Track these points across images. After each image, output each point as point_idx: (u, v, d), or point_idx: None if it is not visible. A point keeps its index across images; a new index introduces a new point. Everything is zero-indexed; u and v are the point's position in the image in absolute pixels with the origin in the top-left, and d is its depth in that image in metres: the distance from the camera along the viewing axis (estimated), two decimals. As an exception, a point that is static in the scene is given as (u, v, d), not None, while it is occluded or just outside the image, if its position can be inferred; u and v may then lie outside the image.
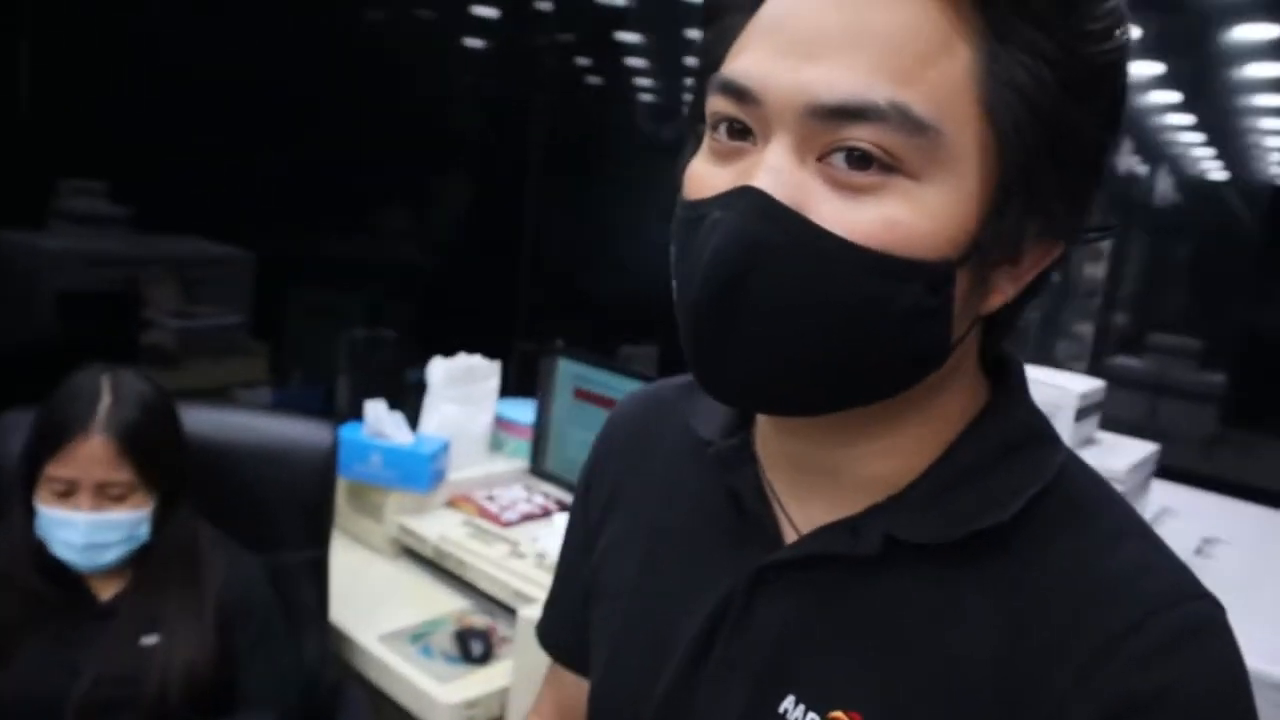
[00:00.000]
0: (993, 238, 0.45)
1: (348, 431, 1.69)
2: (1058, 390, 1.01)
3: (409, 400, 1.84)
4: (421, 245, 2.46)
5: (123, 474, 1.15)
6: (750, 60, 0.45)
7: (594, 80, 2.67)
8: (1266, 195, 1.76)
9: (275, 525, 1.44)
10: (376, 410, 1.70)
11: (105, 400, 1.16)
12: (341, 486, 1.77)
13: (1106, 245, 2.20)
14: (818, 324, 0.44)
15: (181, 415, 1.27)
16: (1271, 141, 1.79)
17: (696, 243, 0.45)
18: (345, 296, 2.28)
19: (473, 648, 1.43)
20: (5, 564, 1.17)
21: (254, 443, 1.45)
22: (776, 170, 0.43)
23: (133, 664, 1.16)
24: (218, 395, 2.10)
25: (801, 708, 0.51)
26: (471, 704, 1.34)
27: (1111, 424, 1.12)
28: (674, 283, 0.48)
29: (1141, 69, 2.10)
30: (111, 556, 1.16)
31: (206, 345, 2.12)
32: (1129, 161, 2.19)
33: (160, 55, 1.97)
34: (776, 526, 0.55)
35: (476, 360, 1.85)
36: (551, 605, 0.74)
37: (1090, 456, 1.00)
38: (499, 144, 2.55)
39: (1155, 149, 2.10)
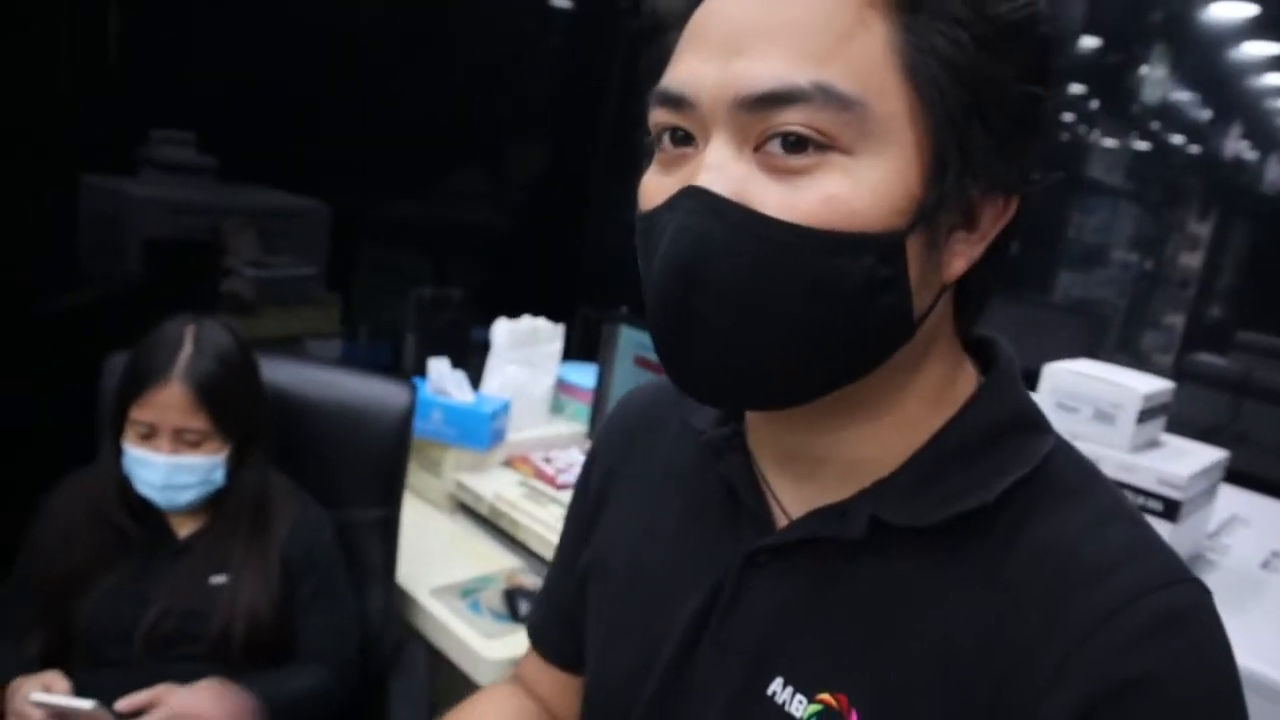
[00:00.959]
0: (936, 201, 0.45)
1: (411, 388, 1.72)
2: (1119, 389, 0.97)
3: (473, 360, 1.86)
4: (491, 207, 2.48)
5: (198, 421, 1.20)
6: (681, 68, 0.47)
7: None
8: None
9: (349, 481, 1.45)
10: (439, 368, 1.73)
11: (186, 350, 1.20)
12: (402, 441, 1.82)
13: (1206, 234, 2.10)
14: (776, 310, 0.45)
15: (263, 367, 1.30)
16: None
17: (652, 248, 0.46)
18: (415, 254, 2.31)
19: (520, 606, 1.45)
20: (96, 498, 1.24)
21: (334, 399, 1.45)
22: (717, 167, 0.45)
23: (200, 600, 1.22)
24: (290, 344, 2.15)
25: (790, 689, 0.52)
26: (515, 662, 1.37)
27: (1188, 425, 1.07)
28: (646, 295, 0.50)
29: (1253, 49, 1.99)
30: (189, 497, 1.22)
31: (281, 295, 2.17)
32: (1237, 146, 2.08)
33: (251, 9, 2.01)
34: (768, 513, 0.56)
35: (541, 323, 1.86)
36: (544, 598, 0.76)
37: (1153, 459, 0.96)
38: (572, 109, 2.54)
39: (1267, 133, 1.99)
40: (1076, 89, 2.04)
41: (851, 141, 0.44)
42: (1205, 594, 0.47)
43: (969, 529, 0.48)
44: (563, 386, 1.95)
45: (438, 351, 1.77)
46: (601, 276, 2.47)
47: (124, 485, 1.22)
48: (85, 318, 1.93)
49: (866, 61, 0.44)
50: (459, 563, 1.60)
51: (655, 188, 0.49)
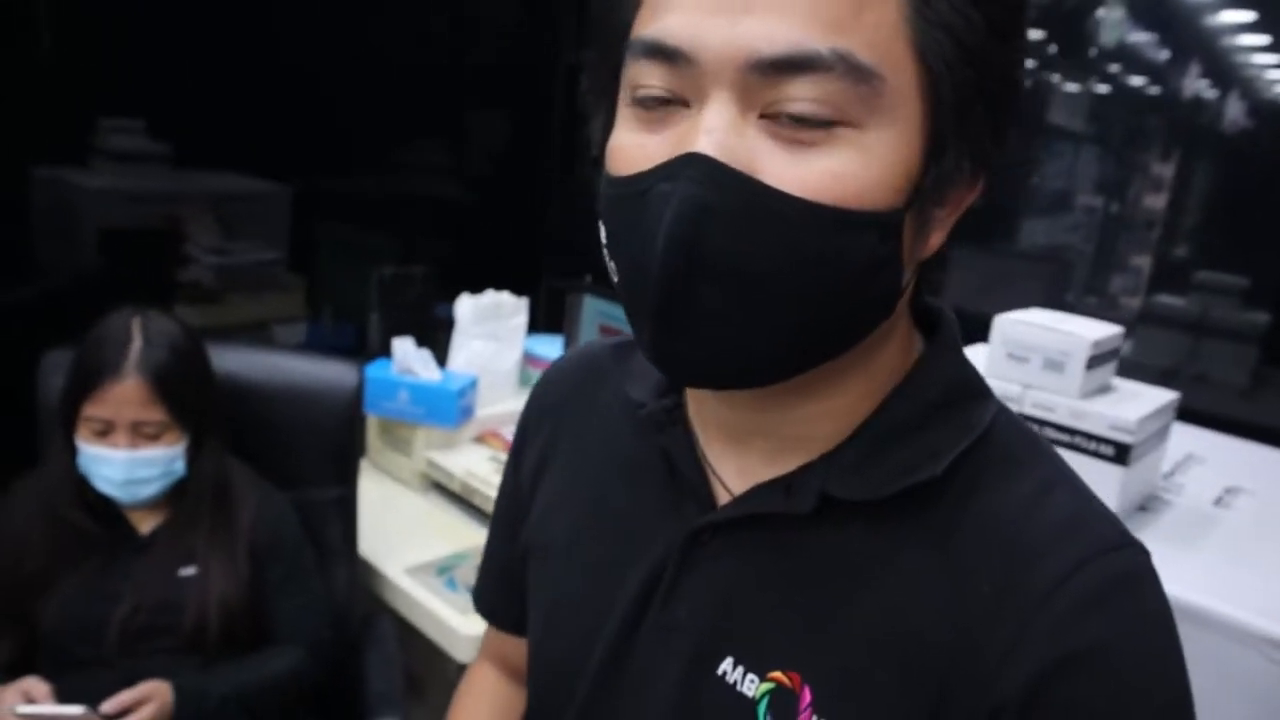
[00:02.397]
0: (934, 181, 0.44)
1: (376, 369, 1.72)
2: (1068, 337, 0.97)
3: (439, 337, 1.85)
4: (451, 181, 2.46)
5: (155, 413, 1.19)
6: (675, 20, 0.42)
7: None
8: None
9: (303, 463, 1.47)
10: (404, 347, 1.72)
11: (136, 342, 1.19)
12: (373, 423, 1.81)
13: (1169, 174, 2.11)
14: (780, 287, 0.43)
15: (211, 355, 1.30)
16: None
17: (645, 218, 0.43)
18: (377, 232, 2.29)
19: (495, 581, 1.46)
20: (50, 498, 1.23)
21: (282, 382, 1.48)
22: (720, 131, 0.42)
23: (171, 593, 1.22)
24: (257, 330, 2.14)
25: (740, 669, 0.51)
26: (490, 636, 1.38)
27: (1148, 368, 1.08)
28: (612, 264, 0.47)
29: (1210, -12, 1.98)
30: (151, 491, 1.21)
31: (245, 281, 2.16)
32: (1196, 85, 2.08)
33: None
34: (709, 488, 0.55)
35: (504, 297, 1.85)
36: (485, 569, 0.75)
37: (1103, 405, 0.97)
38: (527, 78, 2.51)
39: (1225, 72, 1.99)
40: (1035, 35, 2.03)
41: (862, 115, 0.42)
42: (1145, 556, 0.48)
43: (917, 500, 0.48)
44: (530, 359, 1.95)
45: (402, 330, 1.76)
46: (565, 247, 2.46)
47: (80, 484, 1.21)
48: (24, 314, 1.91)
49: (882, 32, 0.41)
50: (433, 541, 1.60)
51: (636, 148, 0.45)
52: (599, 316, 1.77)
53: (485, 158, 2.52)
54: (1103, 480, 0.96)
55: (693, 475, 0.55)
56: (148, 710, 1.11)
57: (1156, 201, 2.11)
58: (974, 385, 0.52)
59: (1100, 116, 2.20)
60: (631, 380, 0.59)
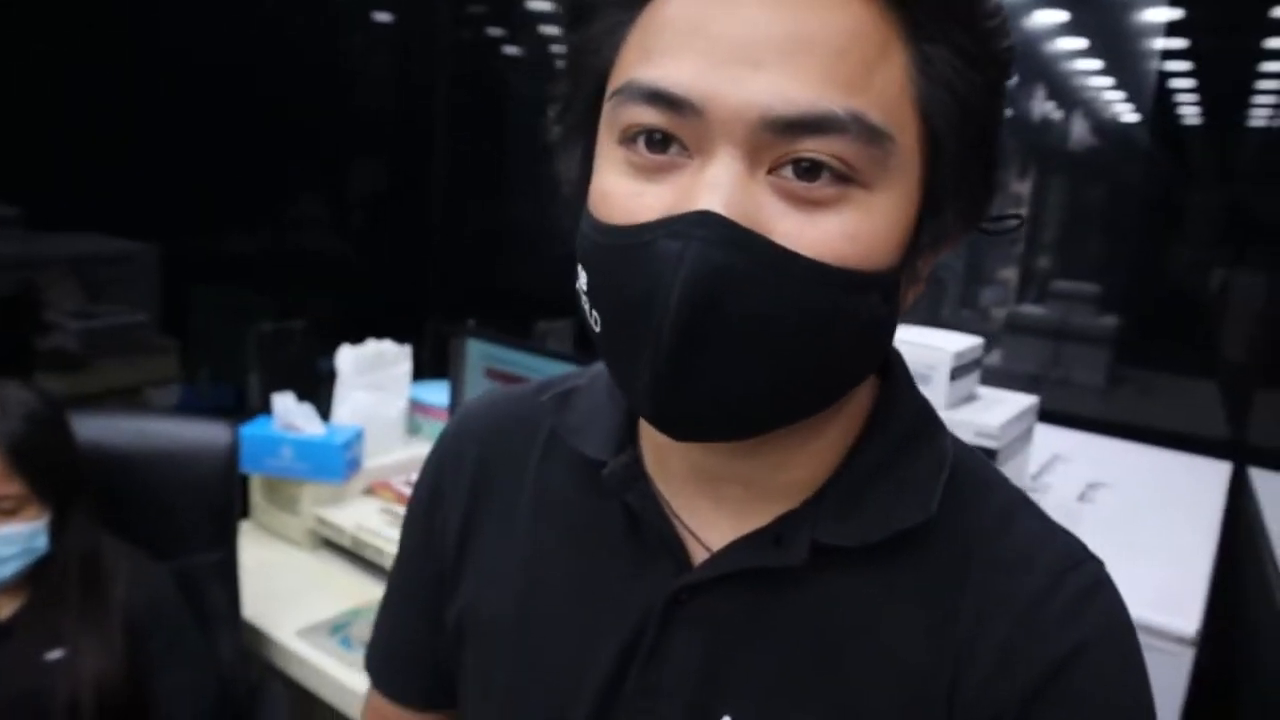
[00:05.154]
0: (930, 238, 0.45)
1: (257, 426, 1.66)
2: (932, 351, 1.01)
3: (323, 390, 1.81)
4: (329, 233, 2.41)
5: (12, 487, 1.13)
6: (680, 68, 0.41)
7: (509, 51, 2.62)
8: (1170, 135, 1.80)
9: (180, 529, 1.42)
10: (285, 403, 1.67)
11: None
12: (257, 482, 1.75)
13: (1027, 191, 2.23)
14: (788, 347, 0.42)
15: (75, 424, 1.24)
16: (1174, 84, 1.82)
17: (647, 274, 0.41)
18: (253, 288, 2.22)
19: (391, 637, 1.42)
20: None
21: (152, 447, 1.43)
22: (728, 188, 0.40)
23: (37, 681, 1.14)
24: (128, 395, 2.04)
25: None
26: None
27: (1016, 375, 1.14)
28: (595, 312, 0.45)
29: (1043, 18, 2.12)
30: (8, 571, 1.14)
31: (113, 345, 2.06)
32: (1043, 108, 2.21)
33: (45, 42, 1.89)
34: (682, 545, 0.52)
35: (386, 345, 1.82)
36: (384, 642, 0.68)
37: (969, 413, 1.02)
38: (405, 125, 2.49)
39: (1068, 94, 2.12)
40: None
41: (872, 176, 0.41)
42: (1103, 565, 0.50)
43: (901, 538, 0.49)
44: (417, 407, 1.92)
45: (283, 386, 1.71)
46: (450, 292, 2.43)
47: None
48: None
49: (891, 92, 0.41)
50: (325, 600, 1.55)
51: (632, 196, 0.43)
52: (484, 360, 1.76)
53: (363, 206, 2.48)
54: (974, 485, 1.00)
55: (665, 532, 0.52)
56: None
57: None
58: (932, 418, 0.53)
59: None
60: (578, 435, 0.56)
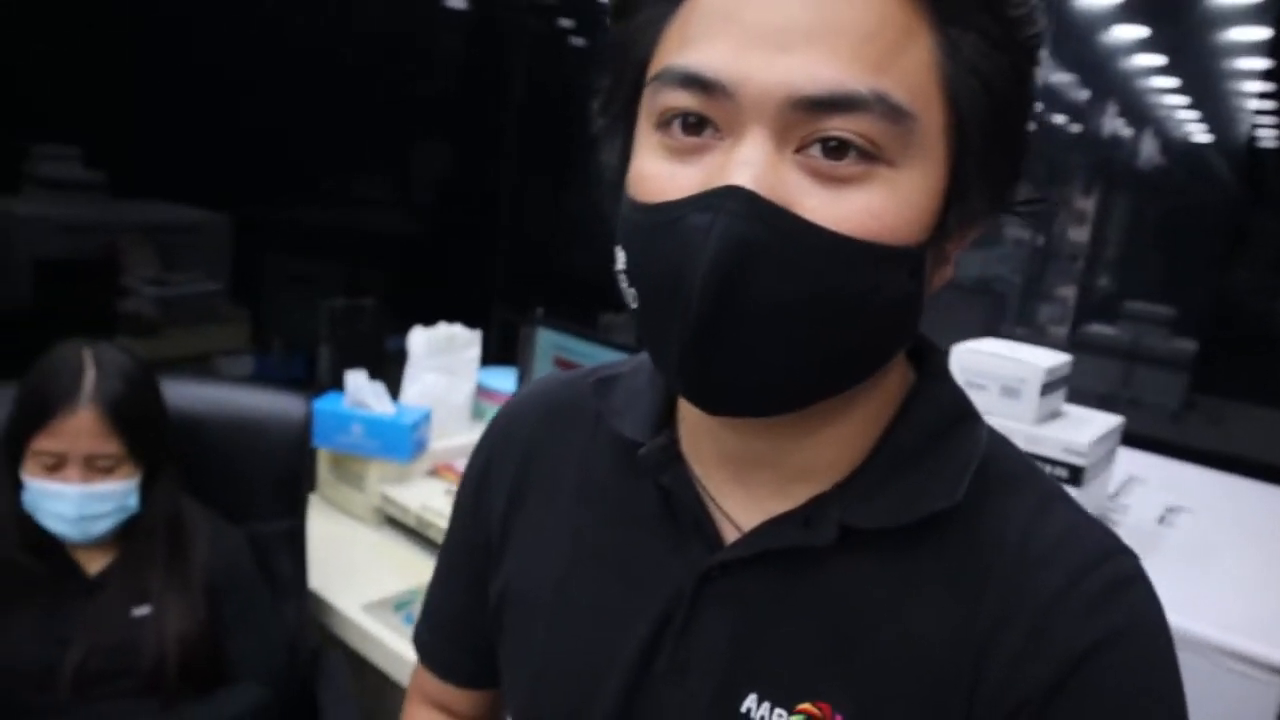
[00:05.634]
0: (956, 219, 0.46)
1: (329, 402, 1.69)
2: (1023, 365, 1.02)
3: (388, 369, 1.84)
4: (399, 212, 2.44)
5: (111, 446, 1.16)
6: (713, 52, 0.43)
7: (576, 43, 2.64)
8: (1245, 158, 1.77)
9: (251, 496, 1.45)
10: (357, 380, 1.70)
11: (89, 373, 1.16)
12: (324, 457, 1.78)
13: (1091, 207, 2.21)
14: (815, 320, 0.43)
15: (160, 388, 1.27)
16: (1253, 105, 1.79)
17: (678, 249, 0.43)
18: (324, 264, 2.26)
19: (454, 615, 1.45)
20: None
21: (230, 415, 1.46)
22: (757, 165, 0.42)
23: (125, 635, 1.18)
24: (199, 363, 2.09)
25: (766, 705, 0.50)
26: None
27: (1085, 393, 1.14)
28: (632, 289, 0.47)
29: (1123, 33, 2.10)
30: (103, 527, 1.17)
31: (185, 312, 2.11)
32: (1113, 124, 2.19)
33: (133, 16, 1.93)
34: (714, 525, 0.54)
35: (457, 329, 1.85)
36: (432, 618, 0.71)
37: (1056, 429, 1.02)
38: (476, 110, 2.52)
39: (1140, 112, 2.10)
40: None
41: (897, 154, 0.43)
42: (1137, 560, 0.51)
43: (929, 524, 0.49)
44: (483, 392, 1.94)
45: (352, 363, 1.74)
46: (516, 279, 2.46)
47: (23, 521, 1.16)
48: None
49: (916, 73, 0.43)
50: (389, 576, 1.58)
51: (666, 176, 0.45)
52: (553, 349, 1.78)
53: (434, 190, 2.51)
54: (1058, 502, 1.01)
55: (697, 513, 0.54)
56: None
57: (1080, 234, 2.21)
58: (968, 409, 0.54)
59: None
60: (619, 417, 0.58)
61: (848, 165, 0.42)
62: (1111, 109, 2.14)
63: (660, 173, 0.45)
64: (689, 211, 0.43)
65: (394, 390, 1.77)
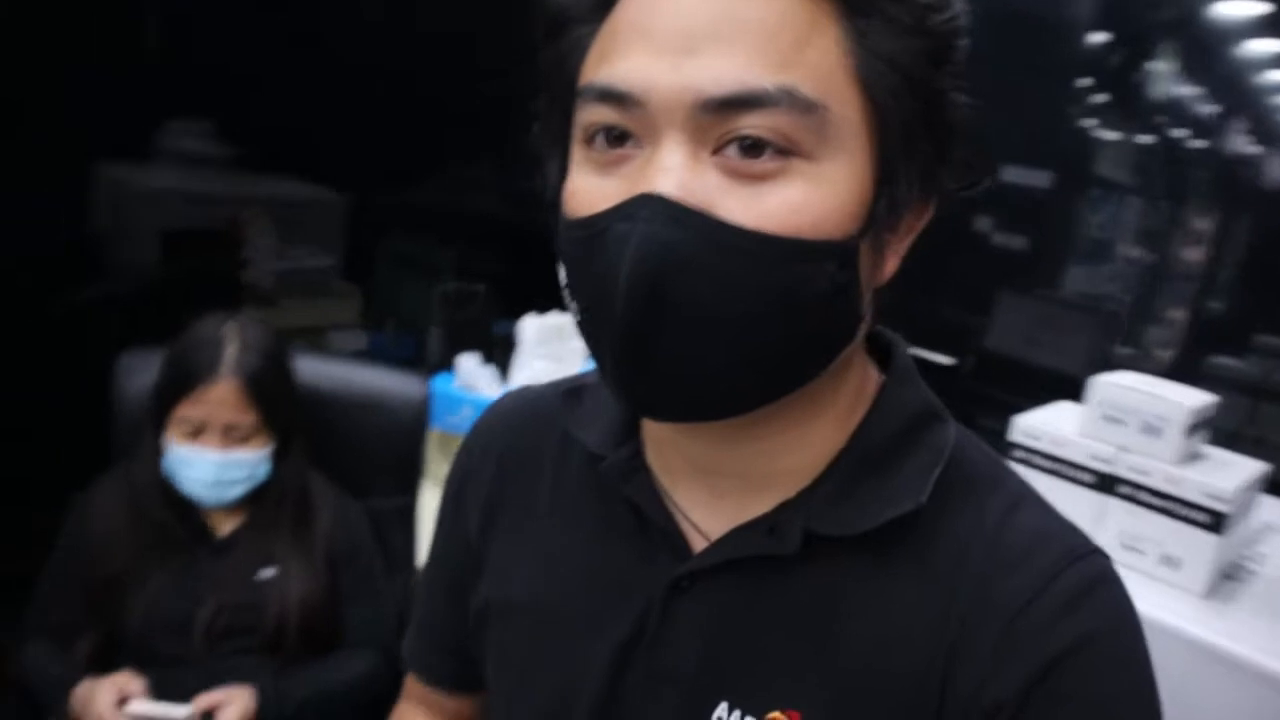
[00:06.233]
0: (886, 207, 0.46)
1: (439, 383, 1.73)
2: (1166, 403, 0.99)
3: (496, 353, 1.87)
4: (509, 200, 2.48)
5: (248, 416, 1.21)
6: (626, 65, 0.44)
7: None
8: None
9: (368, 472, 1.48)
10: (469, 363, 1.74)
11: (231, 345, 1.21)
12: (431, 437, 1.82)
13: (1209, 229, 2.13)
14: (744, 320, 0.44)
15: (288, 363, 1.32)
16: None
17: (604, 259, 0.43)
18: (434, 246, 2.30)
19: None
20: (135, 498, 1.24)
21: (352, 391, 1.49)
22: (674, 170, 0.43)
23: (251, 595, 1.23)
24: (311, 335, 2.15)
25: (737, 713, 0.51)
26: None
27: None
28: (574, 303, 0.48)
29: (1258, 47, 2.01)
30: (235, 493, 1.23)
31: (300, 285, 2.18)
32: (1238, 141, 2.10)
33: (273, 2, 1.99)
34: (682, 535, 0.54)
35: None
36: (420, 625, 0.72)
37: (1199, 472, 0.99)
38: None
39: (1270, 130, 2.01)
40: (1084, 83, 2.06)
41: (813, 147, 0.43)
42: (1108, 559, 0.51)
43: (895, 529, 0.49)
44: (585, 382, 1.96)
45: (461, 346, 1.78)
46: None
47: (164, 484, 1.22)
48: (96, 314, 1.92)
49: (825, 66, 0.43)
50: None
51: (593, 190, 0.46)
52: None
53: (543, 178, 2.54)
54: (1195, 548, 0.98)
55: (664, 524, 0.54)
56: (232, 712, 1.13)
57: (1196, 255, 2.13)
58: (935, 411, 0.54)
59: (1145, 168, 2.21)
60: (584, 428, 0.58)
61: (764, 162, 0.43)
62: (1240, 125, 2.06)
63: (589, 187, 0.46)
64: (612, 222, 0.44)
65: (500, 374, 1.80)
